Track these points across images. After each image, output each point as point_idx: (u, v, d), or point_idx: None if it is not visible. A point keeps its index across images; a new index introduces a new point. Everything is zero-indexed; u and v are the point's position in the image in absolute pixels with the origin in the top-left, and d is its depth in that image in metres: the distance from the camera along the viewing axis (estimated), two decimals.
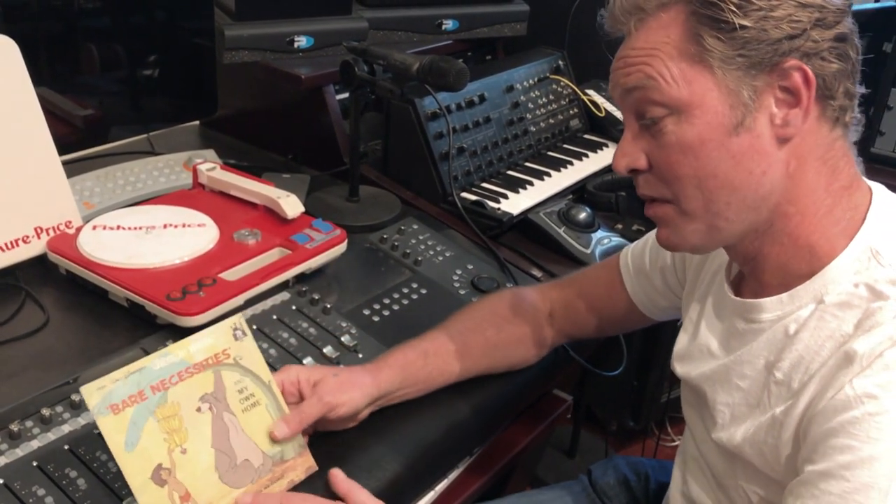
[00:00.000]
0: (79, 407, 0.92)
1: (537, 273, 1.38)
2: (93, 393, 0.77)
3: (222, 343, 0.87)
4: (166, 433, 0.81)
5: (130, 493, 0.82)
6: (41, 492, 0.82)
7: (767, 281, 0.83)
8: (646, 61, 0.77)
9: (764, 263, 0.82)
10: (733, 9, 0.72)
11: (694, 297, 0.96)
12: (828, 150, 0.78)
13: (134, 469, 0.78)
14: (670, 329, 1.15)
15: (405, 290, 1.24)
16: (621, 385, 2.00)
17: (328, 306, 1.15)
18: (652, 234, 1.07)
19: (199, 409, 0.84)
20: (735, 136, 0.75)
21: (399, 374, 0.99)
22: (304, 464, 0.90)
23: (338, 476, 0.88)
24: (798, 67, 0.73)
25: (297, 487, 0.89)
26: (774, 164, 0.76)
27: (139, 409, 0.79)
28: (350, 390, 0.93)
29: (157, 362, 0.82)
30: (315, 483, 0.91)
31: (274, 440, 0.88)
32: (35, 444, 0.87)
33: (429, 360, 1.02)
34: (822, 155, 0.78)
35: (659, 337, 1.89)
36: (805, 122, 0.75)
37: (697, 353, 0.91)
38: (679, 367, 0.95)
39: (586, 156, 1.73)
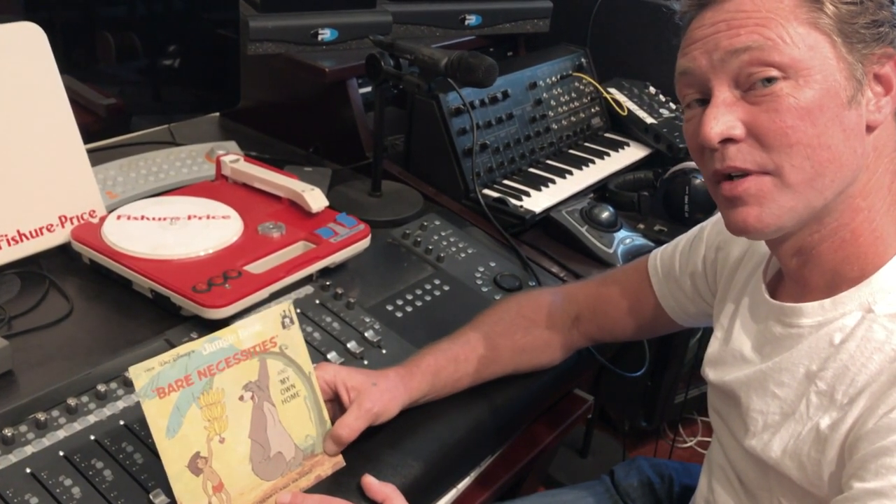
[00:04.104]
0: (104, 397, 0.91)
1: (559, 272, 1.37)
2: (140, 374, 0.77)
3: (270, 330, 0.86)
4: (208, 421, 0.80)
5: (157, 486, 0.82)
6: (68, 482, 0.82)
7: (813, 282, 0.81)
8: (760, 23, 0.73)
9: (816, 261, 0.80)
10: None
11: (727, 300, 0.95)
12: None
13: (172, 456, 0.78)
14: (686, 329, 1.15)
15: (428, 287, 1.24)
16: (635, 385, 1.99)
17: (351, 301, 1.14)
18: (682, 238, 1.06)
19: (241, 398, 0.83)
20: (848, 109, 0.73)
21: (430, 380, 0.99)
22: (333, 459, 0.90)
23: (373, 483, 0.88)
24: (891, 55, 0.73)
25: (324, 482, 0.89)
26: (864, 150, 0.75)
27: (184, 395, 0.79)
28: (389, 401, 0.93)
29: (207, 347, 0.81)
30: (342, 480, 0.90)
31: (309, 435, 0.88)
32: (61, 434, 0.86)
33: (459, 366, 1.02)
34: (890, 152, 0.77)
35: (674, 337, 1.89)
36: (890, 112, 0.75)
37: (730, 358, 0.90)
38: (711, 373, 0.93)
39: (608, 154, 1.72)
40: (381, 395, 0.92)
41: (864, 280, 0.76)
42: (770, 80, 0.73)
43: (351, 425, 0.89)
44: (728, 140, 0.75)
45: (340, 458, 0.91)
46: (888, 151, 0.77)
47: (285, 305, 0.88)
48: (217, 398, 0.81)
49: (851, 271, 0.78)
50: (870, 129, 0.75)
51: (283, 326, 0.87)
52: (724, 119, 0.74)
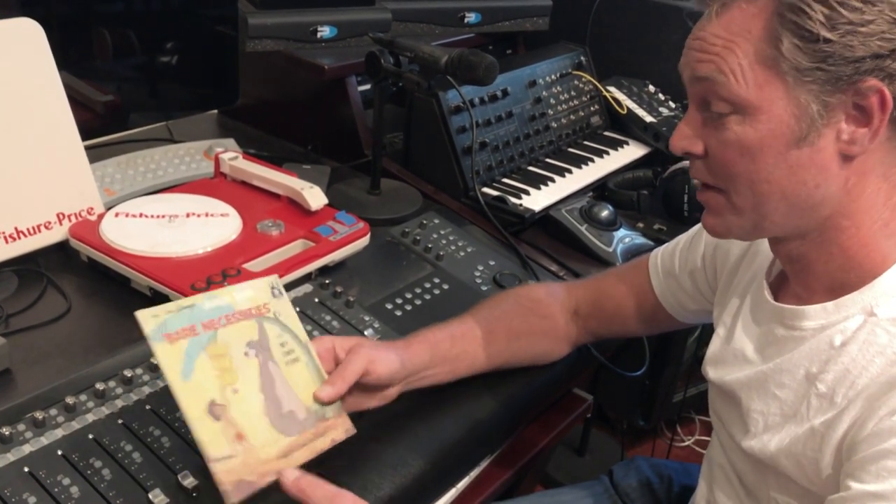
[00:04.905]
0: (103, 396, 0.91)
1: (558, 270, 1.37)
2: (148, 319, 0.76)
3: (262, 297, 0.86)
4: (218, 371, 0.79)
5: (156, 486, 0.82)
6: (66, 481, 0.81)
7: (814, 286, 0.81)
8: (721, 53, 0.74)
9: (810, 268, 0.80)
10: (822, 20, 0.68)
11: (728, 300, 0.95)
12: (891, 167, 0.75)
13: (190, 400, 0.77)
14: (685, 327, 1.15)
15: (427, 286, 1.23)
16: (633, 384, 1.99)
17: (351, 300, 1.14)
18: (683, 236, 1.07)
19: (246, 354, 0.82)
20: (796, 148, 0.73)
21: (428, 350, 0.98)
22: (344, 425, 0.88)
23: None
24: (877, 89, 0.69)
25: (335, 449, 0.87)
26: (831, 178, 0.74)
27: (192, 343, 0.78)
28: (387, 351, 0.92)
29: (206, 302, 0.81)
30: (340, 481, 0.89)
31: (318, 401, 0.86)
32: (59, 433, 0.86)
33: (455, 343, 1.02)
34: (884, 172, 0.75)
35: (672, 336, 1.88)
36: (873, 142, 0.72)
37: (731, 358, 0.90)
38: (712, 372, 0.93)
39: (607, 153, 1.71)
40: (375, 345, 0.92)
41: (868, 284, 0.76)
42: (721, 113, 0.75)
43: (344, 367, 0.87)
44: (691, 154, 0.80)
45: (351, 424, 0.88)
46: (878, 173, 0.75)
47: (272, 278, 0.88)
48: (223, 350, 0.80)
49: (848, 278, 0.78)
50: (848, 158, 0.73)
51: (273, 296, 0.87)
52: (687, 136, 0.80)
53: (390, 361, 0.91)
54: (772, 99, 0.72)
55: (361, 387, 0.90)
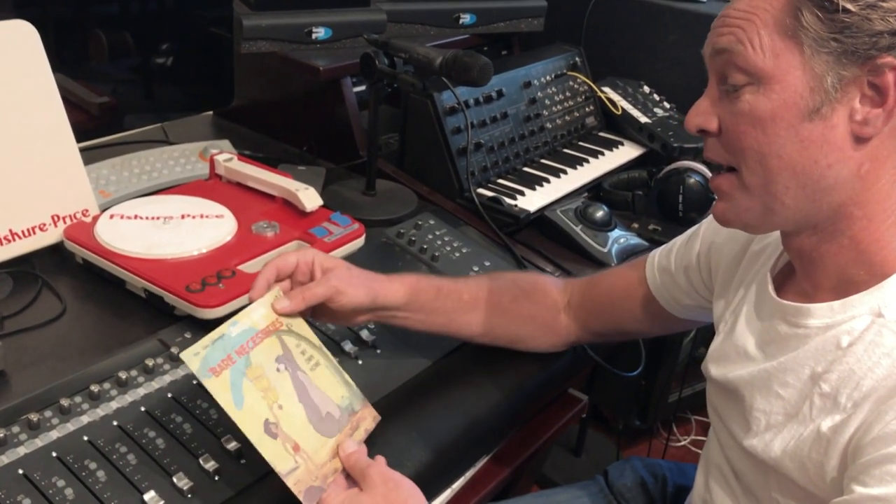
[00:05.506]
0: (97, 398, 0.91)
1: (554, 271, 1.37)
2: (191, 358, 0.80)
3: (273, 313, 0.89)
4: (261, 391, 0.83)
5: (150, 487, 0.82)
6: (60, 483, 0.81)
7: (822, 283, 0.80)
8: (741, 25, 0.74)
9: (820, 263, 0.80)
10: None
11: (729, 296, 0.94)
12: None
13: (248, 425, 0.81)
14: (682, 329, 1.16)
15: None
16: (629, 384, 2.00)
17: None
18: (680, 237, 1.07)
19: (278, 370, 0.86)
20: (808, 121, 0.73)
21: (408, 292, 1.01)
22: (371, 413, 0.92)
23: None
24: (893, 66, 0.69)
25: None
26: (844, 160, 0.73)
27: (233, 372, 0.82)
28: (357, 285, 0.95)
29: (232, 330, 0.84)
30: None
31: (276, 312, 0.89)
32: (54, 435, 0.86)
33: (440, 298, 1.04)
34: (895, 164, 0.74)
35: (668, 336, 1.89)
36: (887, 124, 0.72)
37: (734, 354, 0.89)
38: (714, 369, 0.92)
39: (602, 154, 1.72)
40: (350, 276, 0.95)
41: (876, 284, 0.75)
42: (738, 85, 0.75)
43: (309, 287, 0.92)
44: (706, 132, 0.80)
45: (375, 412, 0.93)
46: (893, 163, 0.74)
47: (275, 290, 0.91)
48: (260, 372, 0.84)
49: (858, 275, 0.77)
50: (861, 140, 0.73)
51: None
52: (702, 112, 0.80)
53: (356, 296, 0.95)
54: (787, 69, 0.72)
55: (328, 309, 0.95)
